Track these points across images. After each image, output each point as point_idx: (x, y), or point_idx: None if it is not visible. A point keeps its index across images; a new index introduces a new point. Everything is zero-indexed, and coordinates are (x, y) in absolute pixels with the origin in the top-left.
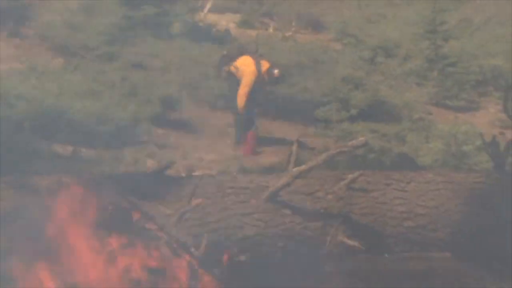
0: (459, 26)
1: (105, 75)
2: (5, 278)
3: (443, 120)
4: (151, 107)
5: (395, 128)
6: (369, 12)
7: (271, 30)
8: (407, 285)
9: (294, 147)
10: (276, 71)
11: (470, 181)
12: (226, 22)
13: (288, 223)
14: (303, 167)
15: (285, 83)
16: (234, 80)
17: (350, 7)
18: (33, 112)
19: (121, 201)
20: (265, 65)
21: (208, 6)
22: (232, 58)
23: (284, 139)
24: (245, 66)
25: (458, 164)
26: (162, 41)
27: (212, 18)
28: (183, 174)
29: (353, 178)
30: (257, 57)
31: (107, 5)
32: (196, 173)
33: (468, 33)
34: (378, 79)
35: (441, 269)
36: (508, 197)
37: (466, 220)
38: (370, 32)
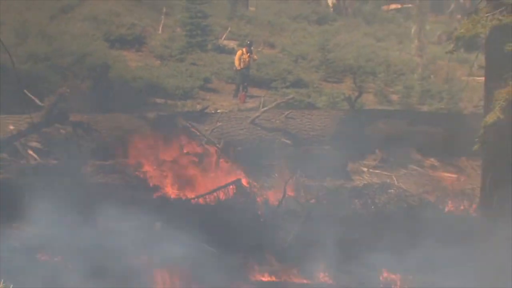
0: (336, 45)
1: (178, 67)
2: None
3: (327, 88)
4: (198, 81)
5: (307, 91)
6: (294, 39)
7: (252, 48)
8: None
9: (262, 99)
10: (255, 57)
11: (332, 114)
12: (232, 44)
13: (259, 133)
14: (266, 107)
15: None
16: (237, 70)
17: (286, 38)
18: (144, 84)
19: (184, 123)
20: (246, 51)
21: (224, 36)
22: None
23: (258, 96)
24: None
25: (334, 106)
26: (203, 52)
27: (225, 42)
28: (213, 111)
29: (288, 113)
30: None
31: (179, 37)
32: (219, 111)
33: (339, 48)
34: (298, 70)
35: (328, 155)
36: (360, 119)
37: (339, 129)
38: (295, 48)
